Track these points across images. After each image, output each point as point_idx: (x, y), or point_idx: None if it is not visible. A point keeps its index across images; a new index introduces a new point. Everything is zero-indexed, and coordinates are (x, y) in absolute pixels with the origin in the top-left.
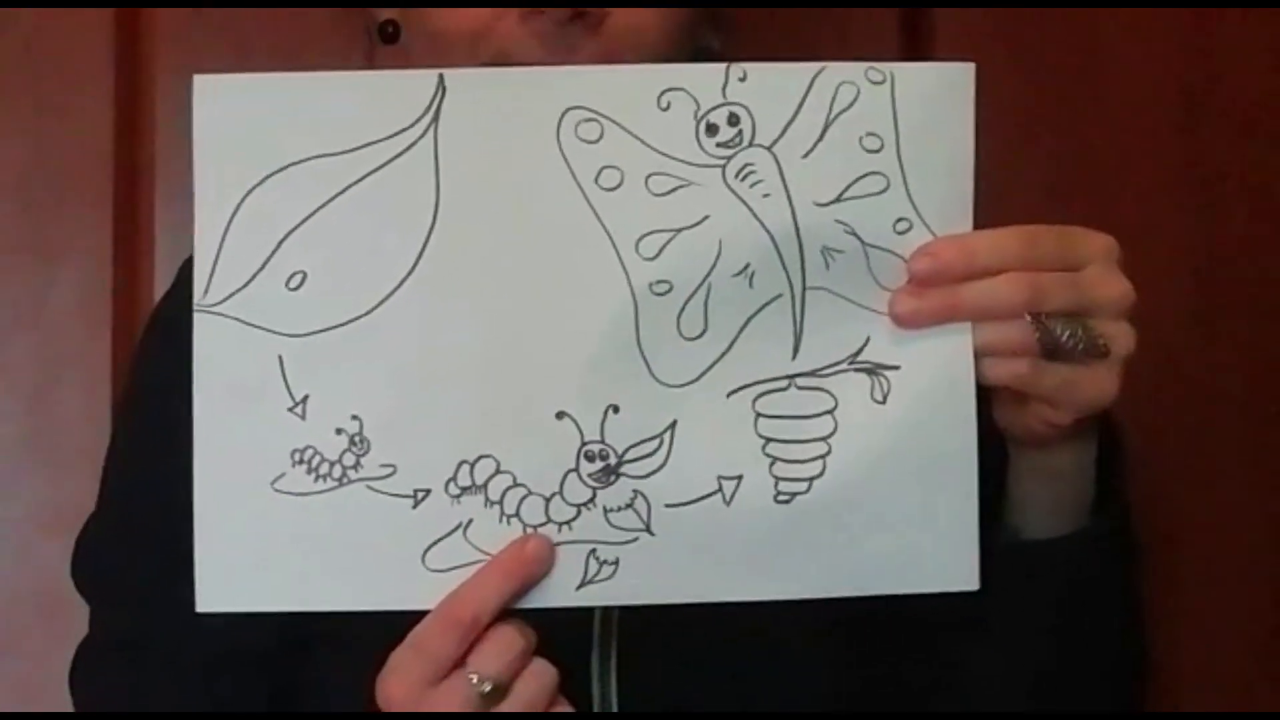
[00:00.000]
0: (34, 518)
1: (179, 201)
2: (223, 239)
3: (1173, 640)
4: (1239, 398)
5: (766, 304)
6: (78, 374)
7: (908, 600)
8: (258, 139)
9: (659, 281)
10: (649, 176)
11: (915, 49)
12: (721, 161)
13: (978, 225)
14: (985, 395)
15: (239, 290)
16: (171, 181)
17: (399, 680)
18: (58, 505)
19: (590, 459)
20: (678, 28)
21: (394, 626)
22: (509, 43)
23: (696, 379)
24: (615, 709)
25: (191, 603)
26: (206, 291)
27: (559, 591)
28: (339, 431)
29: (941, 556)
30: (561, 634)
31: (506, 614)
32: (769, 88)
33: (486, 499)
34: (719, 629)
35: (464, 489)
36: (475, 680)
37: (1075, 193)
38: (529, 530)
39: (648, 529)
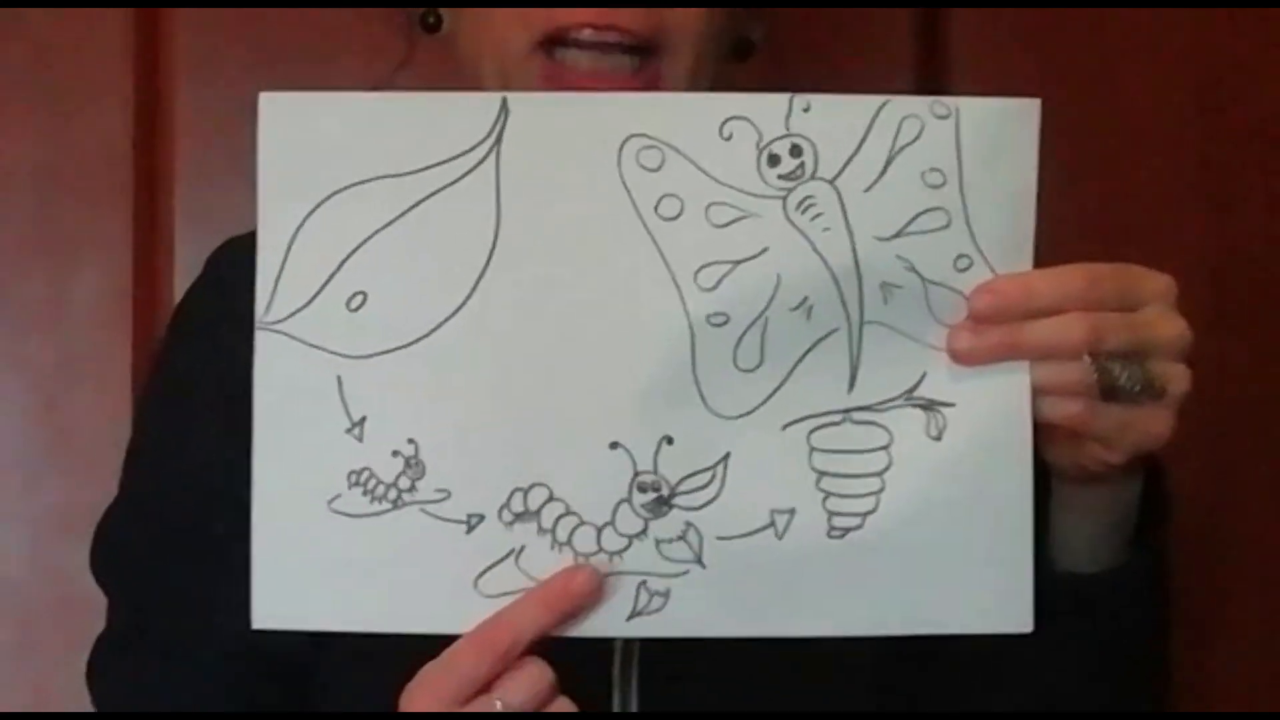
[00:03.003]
0: (52, 517)
1: (198, 202)
2: (285, 257)
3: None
4: (1256, 398)
5: (823, 338)
6: (96, 375)
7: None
8: (322, 158)
9: (716, 313)
10: (709, 206)
11: (931, 50)
12: (782, 193)
13: (1037, 258)
14: (1035, 428)
15: (300, 309)
16: (190, 182)
17: (425, 694)
18: (76, 505)
19: (643, 490)
20: (722, 10)
21: (415, 643)
22: (559, 17)
23: (751, 411)
24: (635, 709)
25: (209, 596)
26: (268, 309)
27: (609, 622)
28: (395, 454)
29: (995, 597)
30: (583, 640)
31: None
32: (833, 120)
33: (539, 526)
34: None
35: (517, 516)
36: (500, 706)
37: (1090, 193)
38: (580, 559)
39: (699, 561)
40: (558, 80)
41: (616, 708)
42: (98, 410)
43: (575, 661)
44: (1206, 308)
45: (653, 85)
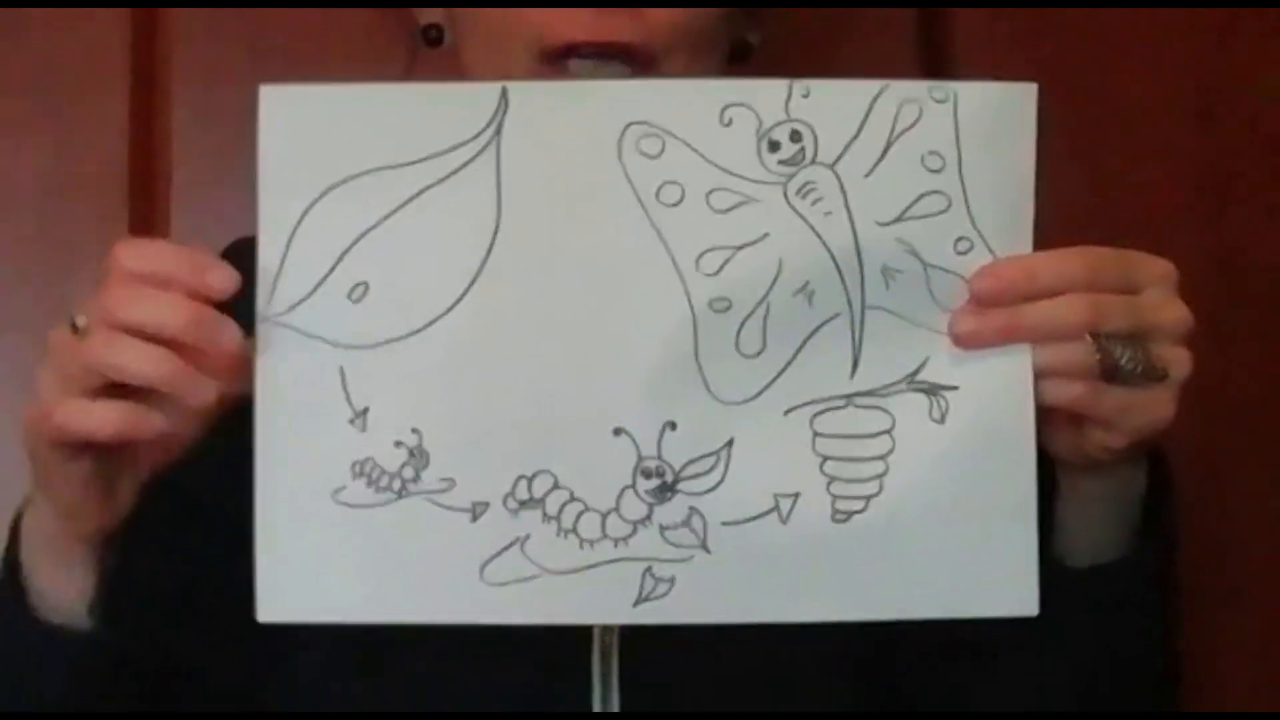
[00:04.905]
0: None
1: (194, 208)
2: (286, 249)
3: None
4: (1254, 401)
5: (825, 322)
6: None
7: (927, 625)
8: (322, 150)
9: (719, 298)
10: (710, 193)
11: (932, 54)
12: (783, 179)
13: (1036, 245)
14: (1038, 416)
15: (302, 301)
16: (186, 188)
17: None
18: None
19: (647, 475)
20: (714, 12)
21: (399, 647)
22: (551, 22)
23: (754, 396)
24: (617, 709)
25: None
26: (270, 301)
27: (615, 608)
28: (399, 444)
29: (1000, 580)
30: (562, 633)
31: None
32: (832, 105)
33: (544, 514)
34: (724, 628)
35: (522, 503)
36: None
37: (1090, 194)
38: (585, 546)
39: (704, 546)
40: None
41: (598, 707)
42: None
43: (555, 660)
44: (1205, 309)
45: None
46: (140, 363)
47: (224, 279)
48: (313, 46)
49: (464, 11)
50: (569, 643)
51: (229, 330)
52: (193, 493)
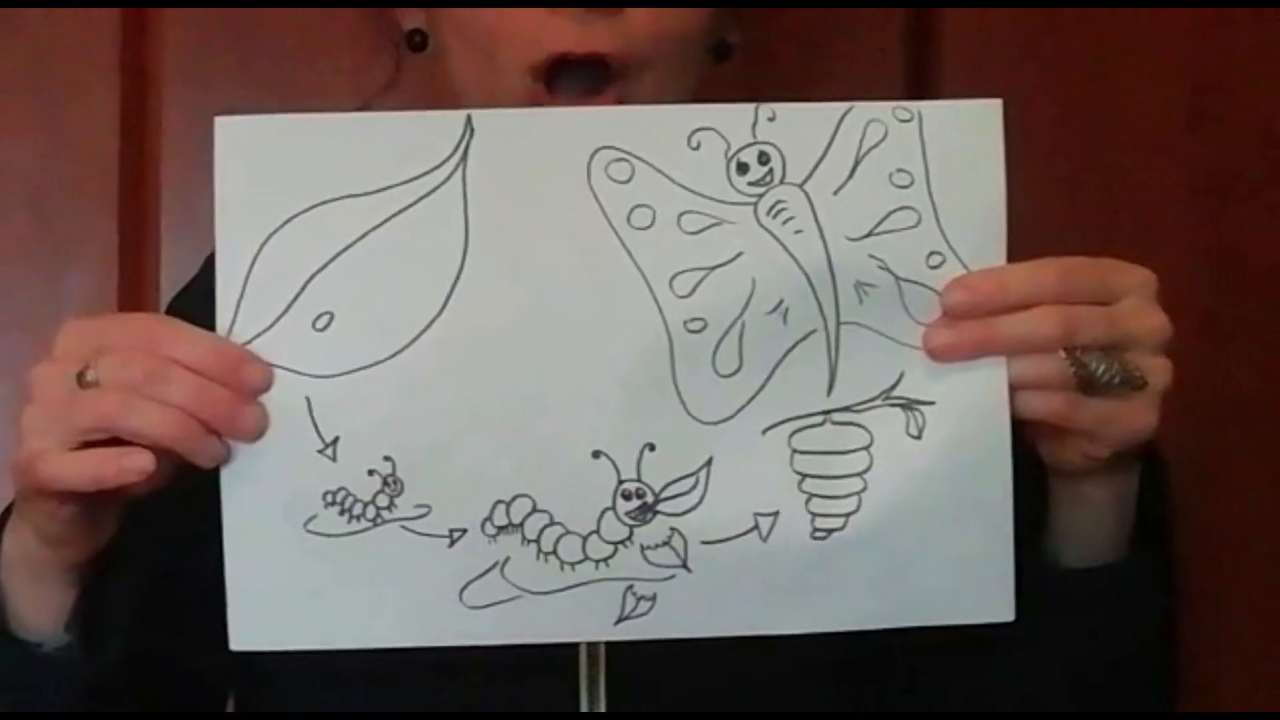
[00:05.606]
0: None
1: (184, 205)
2: (246, 280)
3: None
4: (1251, 402)
5: (801, 340)
6: None
7: (910, 635)
8: (281, 180)
9: (693, 319)
10: (681, 215)
11: (922, 51)
12: (753, 199)
13: (1012, 259)
14: (1022, 423)
15: (264, 331)
16: (176, 185)
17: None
18: None
19: (627, 497)
20: (697, 15)
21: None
22: (538, 33)
23: (732, 416)
24: (604, 709)
25: None
26: (230, 332)
27: (597, 626)
28: (371, 473)
29: (977, 588)
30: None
31: None
32: (798, 127)
33: (523, 537)
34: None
35: (500, 528)
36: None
37: (1085, 195)
38: (566, 568)
39: (685, 566)
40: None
41: (584, 708)
42: None
43: (541, 661)
44: (1201, 309)
45: (626, 101)
46: (157, 427)
47: (260, 376)
48: (301, 45)
49: (447, 19)
50: (555, 644)
51: (256, 418)
52: (177, 500)
